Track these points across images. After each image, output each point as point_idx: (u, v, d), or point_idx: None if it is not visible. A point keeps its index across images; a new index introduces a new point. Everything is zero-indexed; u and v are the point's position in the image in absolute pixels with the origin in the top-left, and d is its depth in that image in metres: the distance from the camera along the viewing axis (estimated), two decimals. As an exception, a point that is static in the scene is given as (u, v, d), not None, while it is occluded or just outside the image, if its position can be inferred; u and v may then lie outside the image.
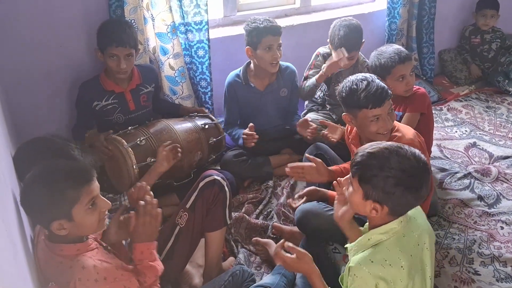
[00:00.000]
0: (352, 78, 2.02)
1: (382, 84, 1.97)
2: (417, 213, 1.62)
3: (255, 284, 1.88)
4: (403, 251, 1.47)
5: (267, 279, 1.99)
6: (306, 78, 2.95)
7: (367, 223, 1.60)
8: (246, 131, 2.62)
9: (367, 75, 2.02)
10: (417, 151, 1.47)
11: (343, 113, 2.09)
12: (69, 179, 1.42)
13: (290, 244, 1.70)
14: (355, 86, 1.96)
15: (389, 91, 1.96)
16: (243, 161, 2.72)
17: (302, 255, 1.66)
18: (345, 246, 1.67)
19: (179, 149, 2.30)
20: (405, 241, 1.50)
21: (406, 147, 1.47)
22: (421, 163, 1.44)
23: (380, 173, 1.42)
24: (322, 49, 2.97)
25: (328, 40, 2.86)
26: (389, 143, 1.51)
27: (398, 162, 1.42)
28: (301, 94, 2.97)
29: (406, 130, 2.05)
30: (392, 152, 1.44)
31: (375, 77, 2.02)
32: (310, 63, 2.98)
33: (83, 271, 1.41)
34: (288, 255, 1.68)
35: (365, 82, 1.95)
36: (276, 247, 1.79)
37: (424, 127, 2.51)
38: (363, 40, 2.80)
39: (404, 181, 1.41)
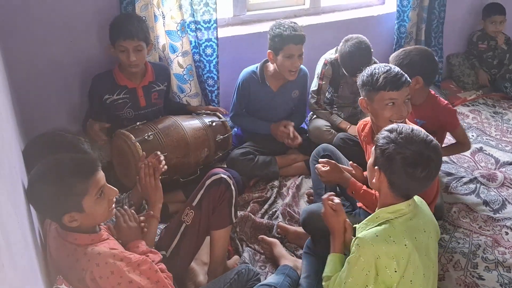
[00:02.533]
0: (374, 65, 2.09)
1: (402, 72, 2.02)
2: (423, 205, 1.70)
3: (259, 284, 1.89)
4: (408, 232, 1.54)
5: (271, 278, 2.00)
6: (319, 91, 2.98)
7: (371, 215, 1.64)
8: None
9: (390, 64, 2.09)
10: (431, 138, 1.57)
11: (360, 98, 2.11)
12: (76, 173, 1.43)
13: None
14: (376, 70, 2.03)
15: (408, 79, 2.02)
16: (249, 160, 2.73)
17: (339, 209, 1.81)
18: (353, 226, 1.74)
19: (160, 158, 2.03)
20: (411, 224, 1.57)
21: (424, 132, 1.58)
22: (430, 146, 1.53)
23: (389, 140, 1.55)
24: (329, 56, 2.99)
25: (337, 55, 2.89)
26: (414, 126, 1.65)
27: (408, 136, 1.54)
28: (310, 106, 3.01)
29: None
30: (409, 129, 1.57)
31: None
32: (319, 72, 2.99)
33: (99, 256, 1.43)
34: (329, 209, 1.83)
35: (386, 67, 2.03)
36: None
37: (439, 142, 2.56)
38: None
39: (403, 154, 1.51)
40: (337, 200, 1.84)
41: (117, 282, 1.42)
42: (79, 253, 1.45)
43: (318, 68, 3.00)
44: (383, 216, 1.58)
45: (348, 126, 2.87)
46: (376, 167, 1.59)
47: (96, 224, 1.55)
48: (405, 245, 1.50)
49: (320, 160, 2.18)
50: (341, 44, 2.84)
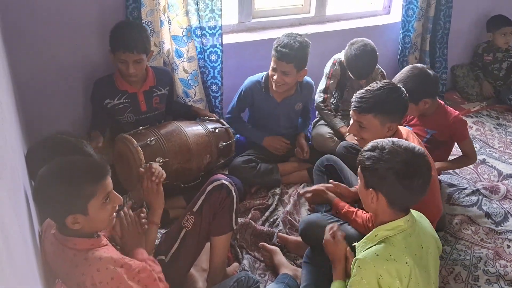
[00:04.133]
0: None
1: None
2: (422, 219, 1.67)
3: None
4: (408, 249, 1.51)
5: (271, 287, 1.99)
6: (326, 90, 2.99)
7: (370, 233, 1.62)
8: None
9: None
10: (417, 146, 1.55)
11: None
12: (87, 174, 1.45)
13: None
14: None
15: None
16: (251, 168, 2.73)
17: (340, 239, 1.82)
18: (352, 244, 1.71)
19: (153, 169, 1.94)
20: (411, 241, 1.54)
21: (406, 142, 1.57)
22: (416, 153, 1.53)
23: (375, 159, 1.53)
24: (338, 56, 2.99)
25: (343, 59, 2.91)
26: (393, 138, 1.62)
27: (392, 149, 1.53)
28: (317, 108, 3.03)
29: None
30: (390, 142, 1.56)
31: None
32: (327, 71, 3.00)
33: (100, 261, 1.43)
34: (330, 238, 1.83)
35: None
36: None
37: (446, 153, 2.65)
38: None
39: (395, 168, 1.50)
40: (336, 227, 1.87)
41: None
42: (79, 258, 1.45)
43: (327, 68, 3.02)
44: (382, 234, 1.56)
45: (347, 134, 2.87)
46: (370, 189, 1.56)
47: (96, 231, 1.55)
48: (406, 262, 1.49)
49: (331, 182, 2.20)
50: (346, 47, 2.85)
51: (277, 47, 2.57)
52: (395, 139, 1.59)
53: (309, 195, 2.19)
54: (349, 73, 2.88)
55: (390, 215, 1.56)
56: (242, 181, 2.62)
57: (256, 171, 2.73)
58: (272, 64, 2.63)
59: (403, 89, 2.07)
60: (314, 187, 2.21)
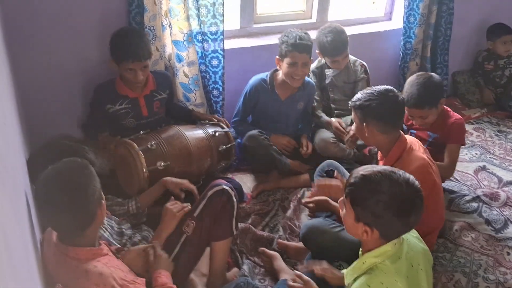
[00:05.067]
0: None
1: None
2: (409, 234, 1.60)
3: None
4: (399, 273, 1.47)
5: None
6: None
7: (356, 262, 1.58)
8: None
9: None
10: (411, 177, 1.46)
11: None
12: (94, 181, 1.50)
13: (298, 273, 1.85)
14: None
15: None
16: (267, 139, 2.77)
17: (306, 283, 1.77)
18: (341, 271, 1.68)
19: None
20: (400, 264, 1.49)
21: (401, 172, 1.47)
22: (413, 189, 1.44)
23: (371, 196, 1.43)
24: (312, 66, 3.06)
25: (317, 51, 2.98)
26: (384, 167, 1.52)
27: (389, 187, 1.43)
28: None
29: (412, 159, 2.05)
30: (385, 176, 1.44)
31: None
32: None
33: (100, 277, 1.44)
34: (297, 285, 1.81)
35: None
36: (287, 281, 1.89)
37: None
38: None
39: (393, 206, 1.42)
40: (296, 273, 1.88)
41: None
42: (80, 271, 1.45)
43: None
44: (370, 261, 1.50)
45: (334, 120, 2.97)
46: (361, 223, 1.48)
47: (97, 234, 1.57)
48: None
49: (336, 175, 2.25)
50: (317, 35, 2.95)
51: (293, 42, 2.63)
52: (387, 170, 1.47)
53: (311, 205, 2.18)
54: (327, 56, 2.96)
55: (378, 242, 1.50)
56: (257, 152, 2.70)
57: (271, 145, 2.77)
58: (289, 60, 2.66)
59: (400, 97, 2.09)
60: (316, 198, 2.17)
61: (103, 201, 1.54)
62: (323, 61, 3.09)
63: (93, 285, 1.42)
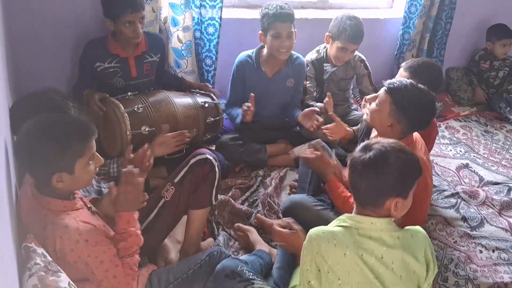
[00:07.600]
0: None
1: None
2: (416, 239, 1.57)
3: (231, 257, 1.88)
4: (355, 245, 1.46)
5: (243, 257, 2.00)
6: (305, 91, 3.00)
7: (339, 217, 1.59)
8: (247, 103, 2.59)
9: None
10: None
11: None
12: (77, 133, 1.46)
13: (290, 220, 1.93)
14: None
15: None
16: (238, 145, 2.71)
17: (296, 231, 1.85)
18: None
19: (187, 138, 2.27)
20: (364, 241, 1.48)
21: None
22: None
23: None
24: (310, 57, 3.00)
25: (327, 33, 2.89)
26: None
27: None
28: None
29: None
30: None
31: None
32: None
33: (65, 230, 1.43)
34: (285, 230, 1.87)
35: None
36: (273, 225, 1.97)
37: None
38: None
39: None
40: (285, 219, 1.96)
41: (73, 260, 1.44)
42: (48, 220, 1.44)
43: None
44: (344, 220, 1.52)
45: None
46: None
47: (76, 189, 1.56)
48: (345, 254, 1.45)
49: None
50: (333, 22, 2.87)
51: (274, 12, 2.55)
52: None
53: (313, 155, 2.13)
54: (340, 38, 2.83)
55: (361, 210, 1.52)
56: (229, 158, 2.61)
57: (243, 149, 2.71)
58: (272, 33, 2.58)
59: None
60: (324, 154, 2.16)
61: (90, 164, 1.50)
62: (322, 53, 3.01)
63: (58, 237, 1.41)
